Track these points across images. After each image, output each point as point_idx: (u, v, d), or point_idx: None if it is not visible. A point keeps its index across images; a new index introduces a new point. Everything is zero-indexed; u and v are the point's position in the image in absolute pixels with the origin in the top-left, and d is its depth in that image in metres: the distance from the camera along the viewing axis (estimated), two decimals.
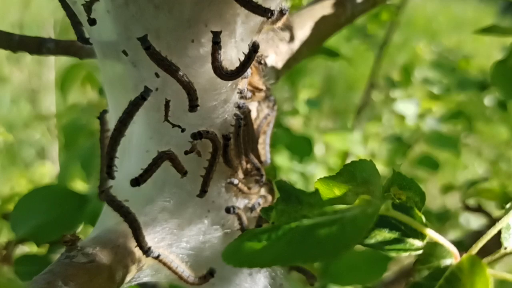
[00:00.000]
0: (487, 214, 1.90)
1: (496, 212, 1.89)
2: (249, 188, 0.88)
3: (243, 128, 0.83)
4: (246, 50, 0.79)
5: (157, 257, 0.81)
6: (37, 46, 0.92)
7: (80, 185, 1.92)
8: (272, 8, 0.72)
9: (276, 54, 1.02)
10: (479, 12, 7.80)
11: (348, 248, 0.52)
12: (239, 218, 0.88)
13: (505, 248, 0.63)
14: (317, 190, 0.65)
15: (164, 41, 0.71)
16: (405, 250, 0.63)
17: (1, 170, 3.77)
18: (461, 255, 0.61)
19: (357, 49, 4.11)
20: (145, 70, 0.74)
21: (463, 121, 2.68)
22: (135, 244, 0.78)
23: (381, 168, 2.46)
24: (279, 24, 0.80)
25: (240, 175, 0.87)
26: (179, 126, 0.75)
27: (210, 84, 0.76)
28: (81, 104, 2.37)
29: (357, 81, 4.91)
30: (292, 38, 1.04)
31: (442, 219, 2.49)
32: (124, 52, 0.73)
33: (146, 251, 0.78)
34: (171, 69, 0.70)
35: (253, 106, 0.93)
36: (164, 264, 0.82)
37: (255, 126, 0.92)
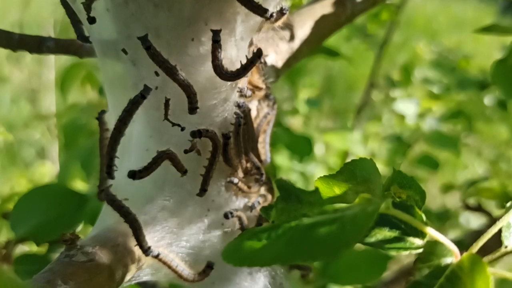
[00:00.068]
0: (487, 213, 1.90)
1: (496, 212, 1.89)
2: (249, 187, 0.88)
3: (243, 127, 0.83)
4: (246, 50, 0.79)
5: (157, 256, 0.81)
6: (37, 45, 0.92)
7: (80, 185, 1.92)
8: (271, 10, 0.73)
9: (276, 53, 1.02)
10: (479, 12, 7.80)
11: (348, 246, 0.52)
12: (240, 219, 0.88)
13: (506, 247, 0.63)
14: (317, 189, 0.65)
15: (164, 40, 0.71)
16: (406, 248, 0.63)
17: (1, 170, 3.77)
18: (461, 254, 0.61)
19: (357, 48, 4.10)
20: (144, 69, 0.74)
21: (463, 120, 2.68)
22: (135, 243, 0.78)
23: (381, 167, 2.45)
24: (279, 23, 0.80)
25: (240, 174, 0.87)
26: (178, 125, 0.75)
27: (210, 83, 0.76)
28: (81, 103, 2.37)
29: (357, 81, 4.91)
30: (292, 37, 1.04)
31: (442, 219, 2.49)
32: (124, 51, 0.73)
33: (146, 251, 0.78)
34: (171, 71, 0.70)
35: (253, 105, 0.93)
36: (164, 263, 0.82)
37: (255, 125, 0.92)
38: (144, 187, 0.82)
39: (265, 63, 0.92)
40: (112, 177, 0.75)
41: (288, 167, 2.30)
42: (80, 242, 0.73)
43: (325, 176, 0.67)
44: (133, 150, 0.82)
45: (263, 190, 0.92)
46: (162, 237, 0.83)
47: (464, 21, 7.25)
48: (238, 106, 0.81)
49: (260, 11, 0.70)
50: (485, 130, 4.04)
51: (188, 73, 0.73)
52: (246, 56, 0.75)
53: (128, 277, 0.78)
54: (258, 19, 0.75)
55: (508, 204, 0.66)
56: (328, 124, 4.55)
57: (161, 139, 0.78)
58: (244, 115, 0.82)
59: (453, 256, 0.61)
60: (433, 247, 0.62)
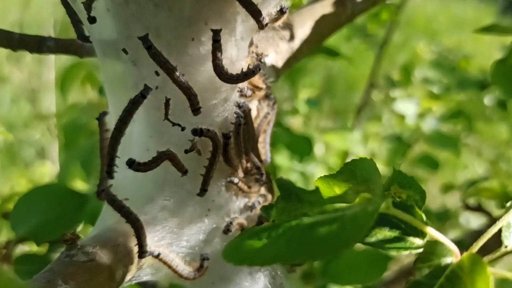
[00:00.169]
0: (487, 213, 1.90)
1: (496, 212, 1.89)
2: (249, 187, 0.88)
3: (243, 127, 0.83)
4: (246, 50, 0.79)
5: (157, 256, 0.81)
6: (37, 44, 0.92)
7: (80, 185, 1.92)
8: (271, 10, 0.74)
9: (276, 53, 1.02)
10: (479, 12, 7.81)
11: (349, 246, 0.52)
12: (241, 226, 0.88)
13: (506, 247, 0.63)
14: (317, 189, 0.65)
15: (164, 40, 0.71)
16: (406, 248, 0.63)
17: (1, 170, 3.77)
18: (461, 254, 0.61)
19: (357, 48, 4.10)
20: (145, 69, 0.74)
21: (463, 120, 2.68)
22: (135, 242, 0.78)
23: (381, 167, 2.45)
24: (279, 22, 0.80)
25: (240, 174, 0.87)
26: (179, 125, 0.75)
27: (210, 83, 0.76)
28: (81, 103, 2.37)
29: (357, 81, 4.91)
30: (292, 37, 1.04)
31: (442, 219, 2.49)
32: (124, 51, 0.73)
33: (143, 253, 0.77)
34: (172, 72, 0.70)
35: (253, 105, 0.93)
36: (165, 263, 0.82)
37: (255, 125, 0.92)
38: (144, 187, 0.82)
39: (264, 63, 0.92)
40: (111, 177, 0.75)
41: (288, 167, 2.30)
42: (80, 242, 0.73)
43: (325, 176, 0.67)
44: (133, 150, 0.82)
45: (263, 190, 0.92)
46: (163, 237, 0.83)
47: (464, 21, 7.25)
48: (239, 106, 0.81)
49: (258, 16, 0.71)
50: (485, 130, 4.04)
51: (188, 73, 0.73)
52: (249, 65, 0.76)
53: (128, 277, 0.78)
54: None
55: (508, 204, 0.66)
56: (328, 124, 4.55)
57: (161, 139, 0.78)
58: (244, 115, 0.82)
59: (453, 256, 0.61)
60: (433, 247, 0.62)
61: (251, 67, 0.76)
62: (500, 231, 0.63)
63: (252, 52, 0.85)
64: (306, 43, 1.07)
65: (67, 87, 2.09)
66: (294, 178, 2.34)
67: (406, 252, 0.63)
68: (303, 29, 1.07)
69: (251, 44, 0.83)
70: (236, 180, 0.85)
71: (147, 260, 0.81)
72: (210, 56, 0.71)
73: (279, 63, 1.02)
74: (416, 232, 0.64)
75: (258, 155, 0.92)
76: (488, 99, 2.70)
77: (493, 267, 0.58)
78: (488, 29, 1.38)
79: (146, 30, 0.70)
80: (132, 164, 0.73)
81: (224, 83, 0.76)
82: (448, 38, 6.13)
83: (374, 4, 1.22)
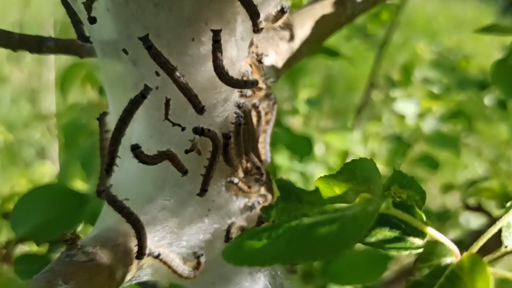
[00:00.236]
0: (487, 213, 1.90)
1: (496, 212, 1.89)
2: (249, 187, 0.88)
3: (243, 127, 0.83)
4: (246, 50, 0.79)
5: (157, 257, 0.81)
6: (37, 44, 0.92)
7: (80, 185, 1.92)
8: (271, 10, 0.74)
9: (276, 53, 1.02)
10: (479, 12, 7.80)
11: (349, 246, 0.52)
12: (242, 229, 0.88)
13: (506, 247, 0.63)
14: (317, 189, 0.65)
15: (164, 40, 0.71)
16: (406, 248, 0.63)
17: (1, 170, 3.77)
18: (461, 254, 0.61)
19: (357, 48, 4.10)
20: (145, 69, 0.74)
21: (463, 120, 2.68)
22: (136, 243, 0.77)
23: (381, 167, 2.45)
24: (280, 22, 0.80)
25: (240, 174, 0.87)
26: (179, 125, 0.75)
27: (210, 83, 0.76)
28: (81, 103, 2.37)
29: (357, 81, 4.90)
30: (292, 37, 1.04)
31: (442, 219, 2.49)
32: (124, 51, 0.73)
33: (142, 254, 0.77)
34: (172, 73, 0.70)
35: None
36: (165, 263, 0.82)
37: (255, 125, 0.92)
38: (144, 187, 0.82)
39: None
40: (109, 175, 0.75)
41: (288, 167, 2.30)
42: (80, 242, 0.73)
43: (325, 176, 0.67)
44: None
45: (263, 190, 0.92)
46: (163, 237, 0.83)
47: (464, 21, 7.25)
48: (239, 106, 0.81)
49: (256, 18, 0.71)
50: (485, 130, 4.04)
51: (189, 73, 0.73)
52: (249, 78, 0.77)
53: (128, 277, 0.78)
54: None
55: (508, 204, 0.66)
56: (328, 124, 4.55)
57: (161, 139, 0.78)
58: (244, 115, 0.82)
59: (453, 256, 0.61)
60: (433, 247, 0.62)
61: (251, 79, 0.77)
62: (500, 231, 0.63)
63: (252, 52, 0.85)
64: (306, 43, 1.07)
65: (67, 87, 2.09)
66: (294, 178, 2.34)
67: (406, 252, 0.63)
68: (303, 29, 1.07)
69: (251, 44, 0.83)
70: (236, 180, 0.85)
71: (147, 260, 0.81)
72: (210, 56, 0.71)
73: (279, 63, 1.02)
74: (416, 232, 0.64)
75: (258, 155, 0.92)
76: (488, 99, 2.70)
77: (493, 267, 0.58)
78: (488, 29, 1.38)
79: (146, 30, 0.70)
80: (136, 148, 0.72)
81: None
82: (448, 38, 6.13)
83: (374, 4, 1.22)
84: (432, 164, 2.55)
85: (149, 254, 0.80)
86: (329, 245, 0.53)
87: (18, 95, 4.52)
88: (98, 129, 0.86)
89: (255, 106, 0.89)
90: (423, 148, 2.87)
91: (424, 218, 0.63)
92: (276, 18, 0.79)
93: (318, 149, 2.71)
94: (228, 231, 0.87)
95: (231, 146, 0.82)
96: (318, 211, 0.60)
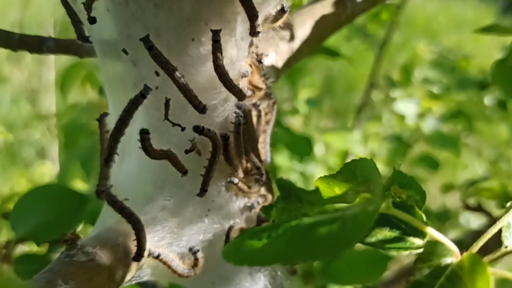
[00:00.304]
0: (487, 213, 1.90)
1: (496, 212, 1.89)
2: (249, 187, 0.88)
3: (244, 127, 0.83)
4: (246, 50, 0.79)
5: (157, 257, 0.81)
6: (37, 44, 0.92)
7: (80, 185, 1.92)
8: (271, 10, 0.75)
9: (276, 53, 1.02)
10: (479, 12, 7.80)
11: (349, 246, 0.52)
12: (228, 235, 0.88)
13: (506, 247, 0.63)
14: (317, 189, 0.65)
15: (164, 40, 0.71)
16: (406, 248, 0.63)
17: (1, 170, 3.77)
18: (461, 254, 0.61)
19: (357, 48, 4.10)
20: (145, 69, 0.74)
21: (463, 120, 2.68)
22: (135, 243, 0.77)
23: (381, 167, 2.45)
24: (280, 22, 0.80)
25: (240, 174, 0.86)
26: (179, 125, 0.75)
27: (210, 83, 0.76)
28: (81, 103, 2.37)
29: (357, 81, 4.90)
30: (292, 37, 1.04)
31: (442, 219, 2.49)
32: (124, 51, 0.73)
33: (140, 255, 0.76)
34: (172, 73, 0.70)
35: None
36: (165, 263, 0.82)
37: (255, 125, 0.92)
38: (144, 187, 0.82)
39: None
40: (107, 176, 0.75)
41: (288, 167, 2.30)
42: (80, 242, 0.72)
43: (325, 176, 0.67)
44: (133, 150, 0.82)
45: (263, 190, 0.92)
46: (163, 237, 0.83)
47: (464, 21, 7.25)
48: (238, 106, 0.81)
49: (255, 19, 0.71)
50: (485, 130, 4.04)
51: (189, 73, 0.73)
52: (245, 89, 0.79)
53: (128, 277, 0.78)
54: None
55: (508, 204, 0.66)
56: (328, 124, 4.54)
57: (161, 139, 0.78)
58: (244, 115, 0.82)
59: (453, 256, 0.61)
60: (433, 247, 0.62)
61: (246, 91, 0.79)
62: (500, 231, 0.63)
63: (252, 52, 0.85)
64: (306, 43, 1.07)
65: (67, 87, 2.09)
66: (294, 178, 2.34)
67: (406, 252, 0.63)
68: (303, 29, 1.07)
69: (251, 44, 0.83)
70: (236, 180, 0.85)
71: (147, 260, 0.81)
72: (210, 56, 0.72)
73: (279, 63, 1.02)
74: (416, 232, 0.64)
75: (258, 155, 0.92)
76: (488, 99, 2.70)
77: (493, 267, 0.58)
78: (488, 29, 1.38)
79: (146, 30, 0.70)
80: (145, 133, 0.72)
81: None
82: (448, 38, 6.13)
83: (374, 4, 1.22)
84: (432, 164, 2.55)
85: (149, 255, 0.80)
86: (329, 245, 0.53)
87: (18, 95, 4.52)
88: (98, 129, 0.86)
89: (255, 106, 0.89)
90: (423, 148, 2.87)
91: (424, 218, 0.63)
92: (276, 17, 0.79)
93: (318, 149, 2.71)
94: (227, 235, 0.87)
95: (231, 146, 0.82)
96: (318, 211, 0.60)
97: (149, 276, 0.86)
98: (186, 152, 0.77)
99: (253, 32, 0.73)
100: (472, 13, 7.82)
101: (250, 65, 0.82)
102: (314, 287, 1.63)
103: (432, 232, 0.62)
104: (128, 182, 0.82)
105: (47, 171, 3.30)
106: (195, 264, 0.85)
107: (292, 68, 1.14)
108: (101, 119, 0.84)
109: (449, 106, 2.76)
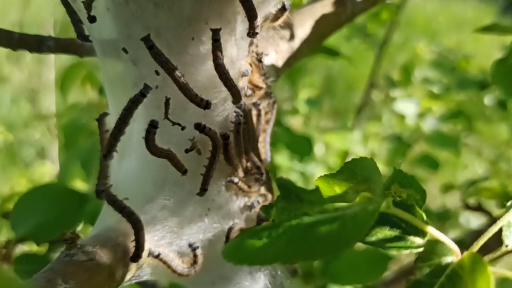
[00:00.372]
0: (487, 213, 1.90)
1: (496, 211, 1.89)
2: (249, 187, 0.88)
3: (244, 126, 0.83)
4: (246, 49, 0.79)
5: (157, 256, 0.81)
6: (37, 44, 0.92)
7: (80, 185, 1.92)
8: (271, 10, 0.75)
9: (276, 52, 1.01)
10: (479, 12, 7.80)
11: (349, 245, 0.52)
12: (228, 236, 0.88)
13: (506, 246, 0.63)
14: (317, 188, 0.65)
15: (164, 39, 0.71)
16: (406, 247, 0.63)
17: (1, 170, 3.77)
18: (462, 253, 0.60)
19: (357, 48, 4.10)
20: (145, 68, 0.74)
21: (463, 120, 2.68)
22: (134, 243, 0.77)
23: (381, 167, 2.45)
24: (280, 21, 0.80)
25: (240, 173, 0.86)
26: (179, 124, 0.75)
27: (210, 82, 0.76)
28: (81, 103, 2.37)
29: (357, 81, 4.90)
30: (292, 37, 1.04)
31: (442, 219, 2.49)
32: (124, 50, 0.73)
33: (137, 255, 0.76)
34: (173, 72, 0.70)
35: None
36: (165, 263, 0.82)
37: (255, 124, 0.92)
38: (144, 186, 0.82)
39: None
40: (106, 163, 0.74)
41: (288, 167, 2.30)
42: (80, 241, 0.72)
43: (325, 175, 0.67)
44: (133, 150, 0.82)
45: (263, 189, 0.92)
46: (163, 236, 0.82)
47: (464, 21, 7.25)
48: (238, 105, 0.81)
49: (254, 19, 0.71)
50: (485, 130, 4.04)
51: (189, 72, 0.73)
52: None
53: (128, 276, 0.78)
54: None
55: (508, 204, 0.66)
56: (328, 124, 4.54)
57: (161, 139, 0.78)
58: (244, 114, 0.82)
59: (453, 255, 0.61)
60: (433, 246, 0.62)
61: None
62: (500, 230, 0.63)
63: (252, 51, 0.85)
64: (306, 42, 1.07)
65: (67, 87, 2.09)
66: (294, 178, 2.34)
67: (407, 252, 0.63)
68: (303, 29, 1.07)
69: (251, 43, 0.83)
70: (236, 179, 0.85)
71: (147, 259, 0.81)
72: (210, 55, 0.72)
73: (279, 63, 1.02)
74: (417, 231, 0.64)
75: (258, 155, 0.92)
76: (488, 99, 2.70)
77: (494, 266, 0.58)
78: (488, 29, 1.38)
79: (146, 29, 0.70)
80: (153, 126, 0.72)
81: None
82: (448, 38, 6.13)
83: (374, 4, 1.22)
84: (432, 164, 2.55)
85: (150, 254, 0.80)
86: (329, 244, 0.53)
87: (18, 95, 4.52)
88: (98, 129, 0.85)
89: (255, 105, 0.89)
90: (423, 148, 2.87)
91: (425, 217, 0.63)
92: (277, 16, 0.79)
93: (318, 149, 2.71)
94: (227, 237, 0.86)
95: (231, 145, 0.82)
96: (318, 210, 0.60)
97: (149, 275, 0.86)
98: (186, 151, 0.77)
99: (252, 33, 0.73)
100: (472, 13, 7.82)
101: (250, 64, 0.82)
102: (314, 287, 1.63)
103: (432, 231, 0.62)
104: (128, 182, 0.82)
105: (47, 171, 3.30)
106: (194, 261, 0.84)
107: (292, 68, 1.14)
108: (101, 119, 0.84)
109: (449, 106, 2.76)
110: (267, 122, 0.94)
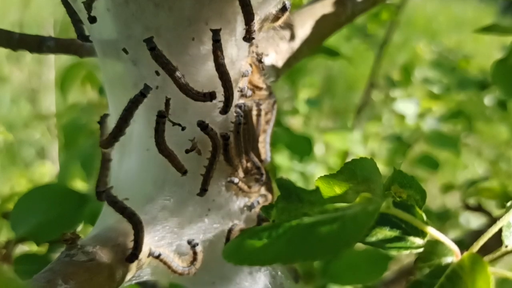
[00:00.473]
0: (487, 213, 1.90)
1: (496, 211, 1.89)
2: (249, 187, 0.88)
3: (244, 126, 0.83)
4: (247, 49, 0.80)
5: (157, 257, 0.81)
6: (37, 44, 0.92)
7: (80, 185, 1.92)
8: (271, 10, 0.75)
9: (276, 52, 1.01)
10: (479, 12, 7.80)
11: (349, 246, 0.52)
12: (228, 238, 0.88)
13: (506, 246, 0.63)
14: (317, 188, 0.65)
15: (165, 40, 0.71)
16: (406, 248, 0.63)
17: (1, 170, 3.77)
18: (462, 254, 0.61)
19: (357, 48, 4.10)
20: (145, 68, 0.74)
21: (463, 120, 2.68)
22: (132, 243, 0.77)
23: (381, 167, 2.45)
24: (280, 21, 0.80)
25: (241, 173, 0.86)
26: (179, 125, 0.75)
27: (211, 82, 0.76)
28: (81, 103, 2.37)
29: (357, 81, 4.90)
30: (292, 37, 1.04)
31: (442, 219, 2.49)
32: (124, 50, 0.73)
33: (134, 256, 0.76)
34: (174, 73, 0.70)
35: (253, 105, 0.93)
36: (165, 263, 0.82)
37: (255, 125, 0.92)
38: (144, 187, 0.82)
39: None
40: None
41: (288, 167, 2.30)
42: (80, 241, 0.72)
43: (325, 176, 0.67)
44: (133, 150, 0.82)
45: (263, 189, 0.92)
46: (163, 236, 0.83)
47: (464, 21, 7.25)
48: (238, 106, 0.81)
49: (250, 20, 0.71)
50: (485, 130, 4.04)
51: (189, 72, 0.73)
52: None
53: (128, 276, 0.78)
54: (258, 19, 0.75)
55: (508, 204, 0.66)
56: (328, 124, 4.54)
57: None
58: (244, 114, 0.82)
59: (453, 256, 0.61)
60: (433, 247, 0.62)
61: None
62: (500, 230, 0.63)
63: (252, 51, 0.85)
64: (306, 43, 1.07)
65: (67, 87, 2.09)
66: (294, 178, 2.34)
67: (407, 252, 0.63)
68: (303, 29, 1.07)
69: (251, 43, 0.83)
70: (236, 180, 0.85)
71: (147, 260, 0.81)
72: (210, 55, 0.72)
73: (279, 63, 1.02)
74: (417, 232, 0.64)
75: (258, 155, 0.92)
76: (488, 99, 2.70)
77: (494, 267, 0.58)
78: (488, 29, 1.38)
79: (146, 30, 0.70)
80: (162, 116, 0.72)
81: None
82: (448, 38, 6.12)
83: (374, 4, 1.22)
84: (432, 164, 2.55)
85: (150, 254, 0.80)
86: (330, 245, 0.53)
87: (18, 95, 4.52)
88: (99, 130, 0.85)
89: (255, 105, 0.89)
90: (423, 148, 2.87)
91: (425, 217, 0.63)
92: (277, 16, 0.79)
93: (318, 149, 2.71)
94: (227, 238, 0.86)
95: (231, 146, 0.82)
96: (319, 210, 0.60)
97: (149, 275, 0.86)
98: (187, 151, 0.77)
99: (248, 37, 0.73)
100: (472, 13, 7.82)
101: (250, 65, 0.82)
102: (314, 287, 1.63)
103: (432, 231, 0.62)
104: (128, 182, 0.82)
105: (47, 171, 3.30)
106: (194, 258, 0.84)
107: (292, 68, 1.14)
108: (102, 121, 0.84)
109: (449, 106, 2.76)
110: (267, 122, 0.94)
